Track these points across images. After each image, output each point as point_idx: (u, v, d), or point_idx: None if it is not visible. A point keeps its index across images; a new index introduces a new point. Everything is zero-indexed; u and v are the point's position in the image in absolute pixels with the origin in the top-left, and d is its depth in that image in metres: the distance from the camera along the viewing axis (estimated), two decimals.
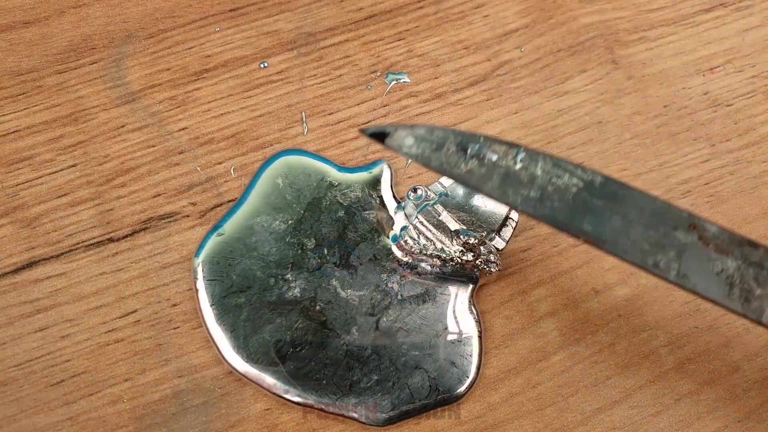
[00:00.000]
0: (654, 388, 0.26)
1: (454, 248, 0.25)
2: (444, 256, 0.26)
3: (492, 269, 0.26)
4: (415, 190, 0.26)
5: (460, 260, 0.25)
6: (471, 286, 0.26)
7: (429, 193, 0.27)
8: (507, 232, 0.26)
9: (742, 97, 0.31)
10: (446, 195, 0.27)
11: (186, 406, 0.24)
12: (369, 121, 0.29)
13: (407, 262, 0.26)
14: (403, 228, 0.26)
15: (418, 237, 0.26)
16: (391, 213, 0.27)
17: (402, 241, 0.26)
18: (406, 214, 0.27)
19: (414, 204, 0.26)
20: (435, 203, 0.26)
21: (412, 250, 0.26)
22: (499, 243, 0.26)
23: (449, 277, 0.26)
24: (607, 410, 0.25)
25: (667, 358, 0.26)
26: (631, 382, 0.26)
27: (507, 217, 0.26)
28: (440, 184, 0.27)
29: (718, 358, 0.26)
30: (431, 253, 0.26)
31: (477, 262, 0.25)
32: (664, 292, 0.27)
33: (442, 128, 0.22)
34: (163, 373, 0.25)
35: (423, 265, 0.26)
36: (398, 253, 0.26)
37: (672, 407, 0.26)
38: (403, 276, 0.26)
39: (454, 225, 0.26)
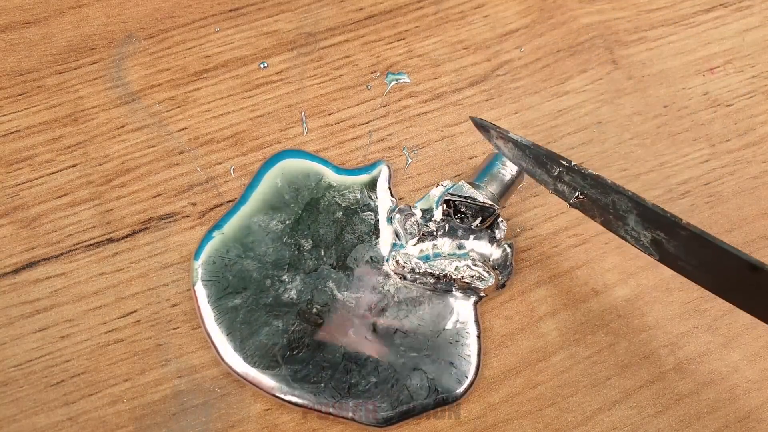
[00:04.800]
0: (654, 388, 0.26)
1: (447, 265, 0.25)
2: (437, 273, 0.25)
3: (488, 283, 0.25)
4: (400, 211, 0.26)
5: (452, 277, 0.25)
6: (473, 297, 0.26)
7: (414, 209, 0.26)
8: (499, 233, 0.26)
9: (742, 97, 0.31)
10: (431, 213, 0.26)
11: (186, 407, 0.24)
12: (369, 122, 0.29)
13: (402, 279, 0.26)
14: (393, 246, 0.26)
15: (409, 257, 0.25)
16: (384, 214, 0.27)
17: (393, 261, 0.26)
18: (395, 233, 0.26)
19: (401, 222, 0.26)
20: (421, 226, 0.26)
21: (405, 268, 0.26)
22: (494, 253, 0.26)
23: (447, 293, 0.26)
24: (607, 410, 0.25)
25: (667, 358, 0.26)
26: (631, 382, 0.26)
27: (495, 219, 0.26)
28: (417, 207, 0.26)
29: (718, 358, 0.26)
30: (424, 271, 0.25)
31: (470, 276, 0.25)
32: (664, 292, 0.27)
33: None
34: (163, 374, 0.25)
35: (417, 283, 0.26)
36: (390, 271, 0.26)
37: (672, 407, 0.26)
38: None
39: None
